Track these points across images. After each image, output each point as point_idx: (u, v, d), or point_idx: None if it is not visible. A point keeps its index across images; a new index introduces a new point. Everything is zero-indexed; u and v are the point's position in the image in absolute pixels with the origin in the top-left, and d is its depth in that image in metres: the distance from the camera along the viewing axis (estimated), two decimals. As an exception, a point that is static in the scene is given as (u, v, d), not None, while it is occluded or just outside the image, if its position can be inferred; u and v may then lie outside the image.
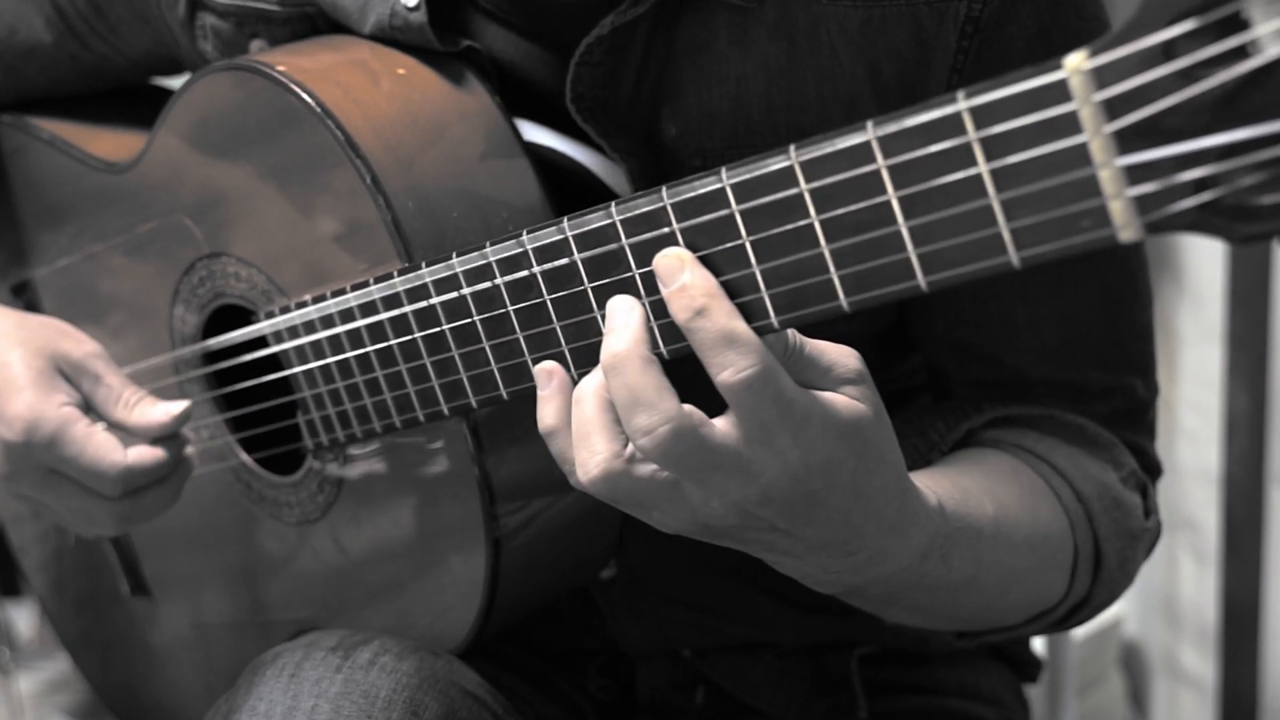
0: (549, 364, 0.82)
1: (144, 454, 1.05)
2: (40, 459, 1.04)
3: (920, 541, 0.85)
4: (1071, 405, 1.05)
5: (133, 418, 1.06)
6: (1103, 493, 1.02)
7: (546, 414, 0.82)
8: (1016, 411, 1.04)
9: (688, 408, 0.76)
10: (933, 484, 0.88)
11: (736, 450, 0.77)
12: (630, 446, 0.78)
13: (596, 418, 0.79)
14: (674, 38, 0.99)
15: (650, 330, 0.79)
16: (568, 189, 1.03)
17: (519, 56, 1.04)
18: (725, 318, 0.76)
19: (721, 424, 0.77)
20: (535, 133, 1.04)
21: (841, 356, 0.79)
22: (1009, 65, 0.96)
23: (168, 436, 1.07)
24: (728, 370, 0.75)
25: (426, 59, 1.04)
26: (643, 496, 0.80)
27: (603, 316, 0.83)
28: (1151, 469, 1.10)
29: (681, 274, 0.77)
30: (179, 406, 1.07)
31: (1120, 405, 1.07)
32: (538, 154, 1.03)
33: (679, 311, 0.76)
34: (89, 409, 1.07)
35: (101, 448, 1.04)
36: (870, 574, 0.85)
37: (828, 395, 0.78)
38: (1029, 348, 1.04)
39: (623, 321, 0.79)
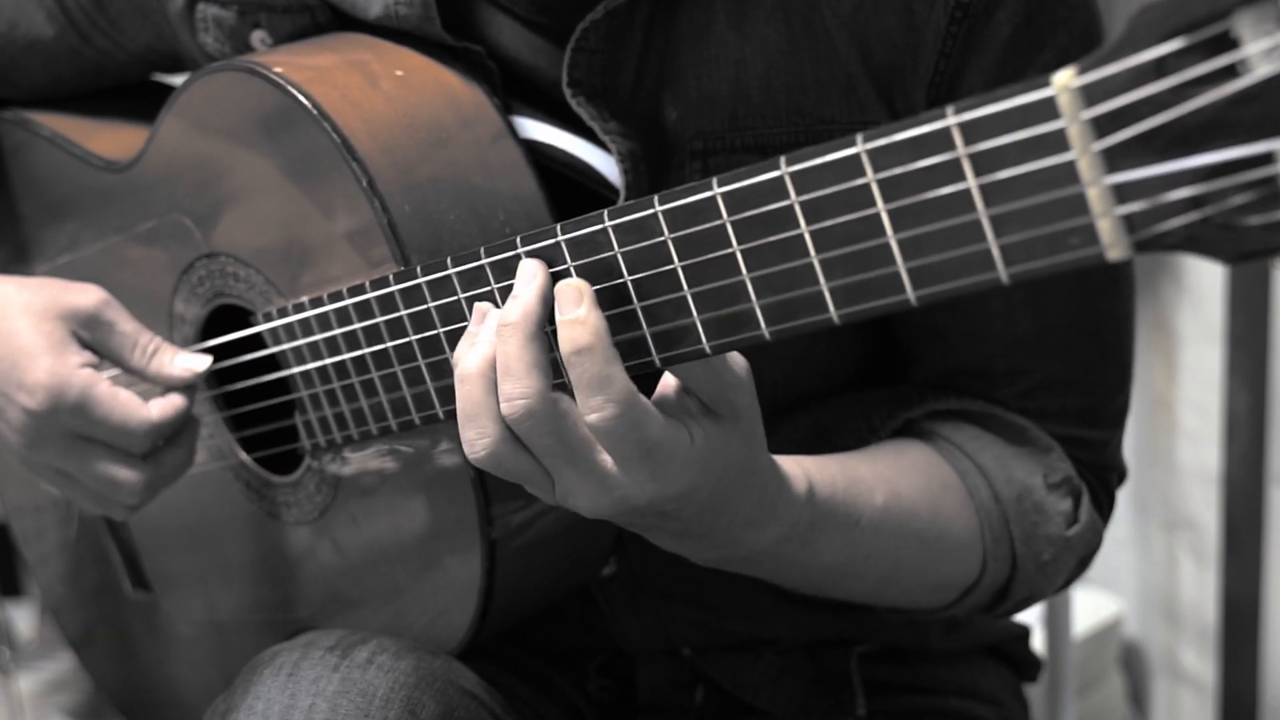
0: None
1: (167, 406, 1.05)
2: (66, 424, 1.03)
3: (776, 531, 0.90)
4: (1030, 397, 1.05)
5: (151, 367, 1.06)
6: (1023, 495, 1.03)
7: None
8: (958, 406, 1.05)
9: (555, 395, 0.81)
10: (816, 470, 0.92)
11: (592, 459, 0.82)
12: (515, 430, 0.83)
13: (483, 400, 0.83)
14: (673, 24, 0.99)
15: (548, 303, 0.82)
16: (569, 188, 1.03)
17: (521, 47, 1.04)
18: (603, 362, 0.80)
19: (585, 430, 0.82)
20: (536, 130, 1.04)
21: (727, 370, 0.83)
22: (995, 51, 0.98)
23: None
24: (594, 414, 0.80)
25: (425, 60, 1.04)
26: (519, 475, 0.85)
27: None
28: (1107, 468, 1.09)
29: (578, 308, 0.80)
30: (200, 363, 1.07)
31: (1080, 402, 1.06)
32: (538, 153, 1.03)
33: (564, 343, 0.80)
34: (103, 360, 1.06)
35: (128, 405, 1.03)
36: (723, 553, 0.91)
37: (695, 429, 0.83)
38: (1000, 335, 1.04)
39: (522, 289, 0.83)
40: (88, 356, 1.05)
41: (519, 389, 0.81)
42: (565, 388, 0.82)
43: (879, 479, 0.97)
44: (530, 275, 0.83)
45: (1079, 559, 1.08)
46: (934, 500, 1.00)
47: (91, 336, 1.06)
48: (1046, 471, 1.05)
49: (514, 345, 0.81)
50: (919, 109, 0.99)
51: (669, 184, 1.01)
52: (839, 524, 0.93)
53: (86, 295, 1.07)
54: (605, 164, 1.02)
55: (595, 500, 0.83)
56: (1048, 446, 1.05)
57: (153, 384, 1.06)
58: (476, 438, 0.83)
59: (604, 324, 0.81)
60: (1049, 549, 1.05)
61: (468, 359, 0.84)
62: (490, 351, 0.83)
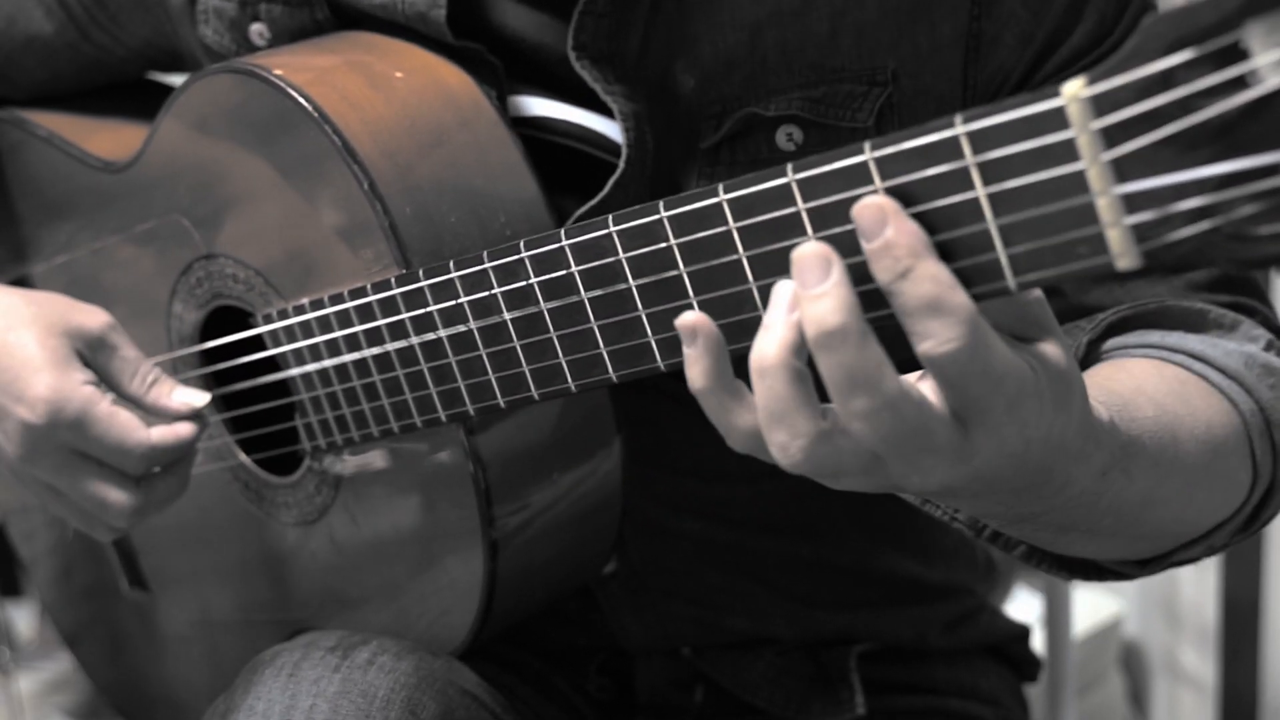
0: (692, 317, 0.74)
1: (167, 432, 1.04)
2: (63, 439, 1.03)
3: (1100, 461, 0.78)
4: (1175, 285, 0.99)
5: (149, 397, 1.05)
6: (1249, 362, 0.94)
7: (694, 375, 0.75)
8: (1130, 311, 0.97)
9: (907, 384, 0.70)
10: (1094, 389, 0.80)
11: (951, 432, 0.71)
12: (829, 420, 0.72)
13: (792, 394, 0.71)
14: None
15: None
16: (572, 159, 1.02)
17: (527, 25, 1.03)
18: (930, 282, 0.68)
19: (936, 401, 0.71)
20: (538, 105, 1.03)
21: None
22: None
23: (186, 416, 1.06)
24: (929, 340, 0.68)
25: (425, 61, 1.03)
26: (842, 468, 0.73)
27: (599, 328, 0.83)
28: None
29: (885, 229, 0.68)
30: (199, 399, 1.06)
31: (1221, 274, 0.99)
32: (540, 127, 1.02)
33: (881, 272, 0.69)
34: (101, 382, 1.05)
35: (127, 425, 1.03)
36: (1052, 501, 0.79)
37: (1039, 352, 0.72)
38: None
39: (828, 286, 0.70)
40: (90, 375, 1.05)
41: (879, 399, 0.69)
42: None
43: (1131, 390, 0.86)
44: (826, 264, 0.70)
45: None
46: (1183, 395, 0.90)
47: (93, 358, 1.06)
48: (1250, 340, 0.96)
49: (851, 350, 0.69)
50: (945, 42, 0.98)
51: (677, 148, 1.00)
52: (1138, 444, 0.82)
53: (93, 316, 1.07)
54: (608, 128, 1.02)
55: (952, 473, 0.72)
56: (1234, 321, 0.97)
57: (148, 414, 1.06)
58: (789, 439, 0.72)
59: (922, 236, 0.69)
60: None
61: (764, 345, 0.72)
62: (788, 334, 0.71)
